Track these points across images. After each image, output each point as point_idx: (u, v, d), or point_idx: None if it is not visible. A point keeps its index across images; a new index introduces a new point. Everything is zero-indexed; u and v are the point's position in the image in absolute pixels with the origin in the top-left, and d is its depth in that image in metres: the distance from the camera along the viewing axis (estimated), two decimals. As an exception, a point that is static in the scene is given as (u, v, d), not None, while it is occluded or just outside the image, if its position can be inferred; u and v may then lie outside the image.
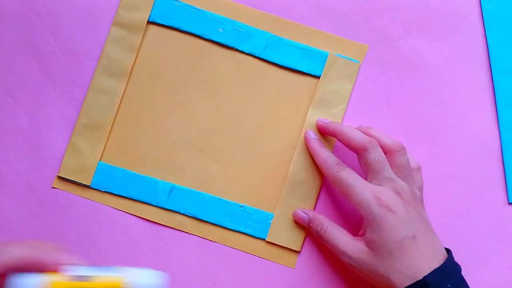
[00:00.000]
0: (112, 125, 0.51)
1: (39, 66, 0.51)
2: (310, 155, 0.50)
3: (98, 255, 0.50)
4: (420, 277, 0.42)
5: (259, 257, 0.50)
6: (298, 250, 0.50)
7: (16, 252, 0.34)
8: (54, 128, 0.51)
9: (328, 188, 0.51)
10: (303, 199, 0.50)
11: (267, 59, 0.51)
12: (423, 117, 0.52)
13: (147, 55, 0.51)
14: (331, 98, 0.51)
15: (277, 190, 0.51)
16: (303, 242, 0.50)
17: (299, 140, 0.51)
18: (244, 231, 0.50)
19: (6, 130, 0.51)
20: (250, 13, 0.51)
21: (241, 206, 0.50)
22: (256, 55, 0.51)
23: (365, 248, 0.44)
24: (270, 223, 0.50)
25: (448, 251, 0.45)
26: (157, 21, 0.51)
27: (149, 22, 0.51)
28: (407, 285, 0.42)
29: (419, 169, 0.48)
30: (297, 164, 0.50)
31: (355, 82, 0.51)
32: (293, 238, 0.50)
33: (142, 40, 0.51)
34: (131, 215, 0.51)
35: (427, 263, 0.43)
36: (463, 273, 0.45)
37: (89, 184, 0.50)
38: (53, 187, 0.51)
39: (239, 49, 0.51)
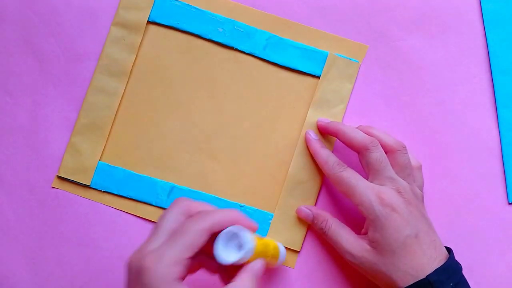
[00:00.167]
0: (112, 125, 0.51)
1: (39, 66, 0.51)
2: (310, 155, 0.50)
3: (98, 255, 0.50)
4: (423, 276, 0.42)
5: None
6: (298, 250, 0.50)
7: (220, 215, 0.39)
8: (54, 128, 0.51)
9: (328, 188, 0.51)
10: (303, 199, 0.50)
11: (267, 59, 0.51)
12: (423, 117, 0.52)
13: (147, 55, 0.51)
14: (331, 98, 0.51)
15: (277, 190, 0.51)
16: (303, 242, 0.50)
17: (299, 140, 0.51)
18: (244, 231, 0.50)
19: (6, 130, 0.51)
20: (250, 13, 0.51)
21: (241, 206, 0.50)
22: (256, 55, 0.51)
23: (368, 247, 0.44)
24: (270, 223, 0.50)
25: (449, 250, 0.45)
26: (157, 21, 0.51)
27: (149, 22, 0.51)
28: (409, 283, 0.42)
29: (420, 168, 0.48)
30: (297, 164, 0.50)
31: (355, 82, 0.51)
32: (293, 238, 0.50)
33: (142, 40, 0.51)
34: (131, 215, 0.50)
35: (429, 261, 0.43)
36: (463, 272, 0.45)
37: (89, 184, 0.50)
38: (53, 187, 0.51)
39: (239, 49, 0.51)
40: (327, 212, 0.49)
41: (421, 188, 0.47)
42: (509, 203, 0.51)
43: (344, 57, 0.51)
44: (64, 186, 0.50)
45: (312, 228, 0.50)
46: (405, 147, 0.47)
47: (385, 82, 0.52)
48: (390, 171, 0.45)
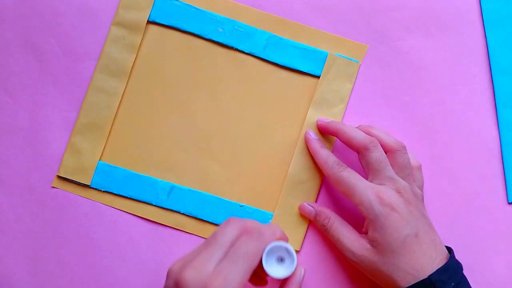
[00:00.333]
0: (112, 125, 0.51)
1: (39, 66, 0.51)
2: (310, 155, 0.50)
3: (98, 255, 0.50)
4: (424, 275, 0.42)
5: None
6: (298, 249, 0.50)
7: (269, 233, 0.42)
8: (53, 127, 0.51)
9: (328, 188, 0.51)
10: (303, 199, 0.50)
11: (267, 59, 0.51)
12: (423, 117, 0.52)
13: (147, 55, 0.51)
14: (331, 98, 0.51)
15: (277, 190, 0.51)
16: (303, 241, 0.50)
17: (299, 140, 0.51)
18: (244, 231, 0.50)
19: (5, 130, 0.51)
20: (250, 13, 0.51)
21: (241, 206, 0.50)
22: (256, 55, 0.51)
23: (369, 246, 0.45)
24: (270, 222, 0.50)
25: (449, 249, 0.45)
26: (157, 21, 0.51)
27: (149, 22, 0.51)
28: (410, 283, 0.42)
29: (419, 167, 0.48)
30: (297, 164, 0.50)
31: (355, 82, 0.51)
32: (292, 237, 0.50)
33: (142, 39, 0.51)
34: (131, 215, 0.50)
35: (430, 261, 0.43)
36: (463, 272, 0.45)
37: (89, 184, 0.50)
38: (53, 187, 0.51)
39: (239, 49, 0.51)
40: (329, 210, 0.49)
41: (421, 188, 0.47)
42: (509, 203, 0.51)
43: (344, 57, 0.51)
44: (64, 186, 0.51)
45: (311, 228, 0.50)
46: (405, 147, 0.47)
47: (385, 82, 0.52)
48: (390, 171, 0.45)
